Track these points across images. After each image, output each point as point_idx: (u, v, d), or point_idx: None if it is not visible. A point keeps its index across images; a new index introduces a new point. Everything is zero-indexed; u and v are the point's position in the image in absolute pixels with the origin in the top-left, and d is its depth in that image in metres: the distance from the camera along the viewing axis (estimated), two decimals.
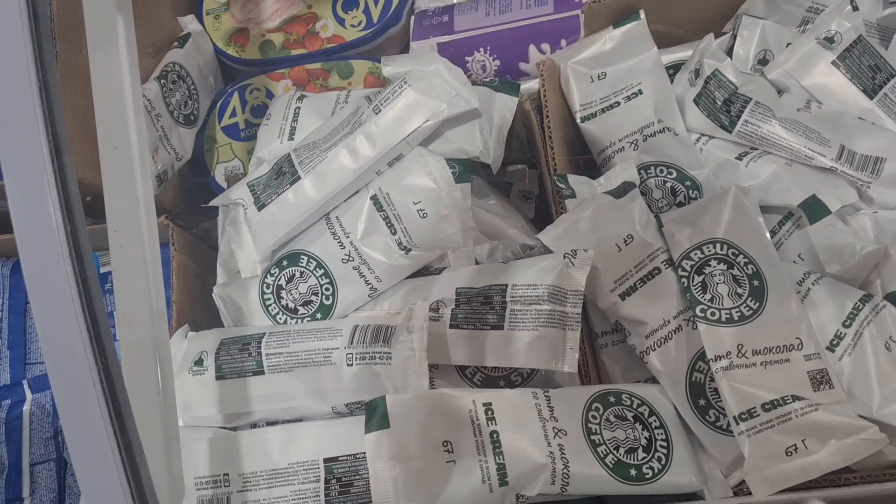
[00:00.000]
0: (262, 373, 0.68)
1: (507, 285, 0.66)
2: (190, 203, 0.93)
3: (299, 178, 0.72)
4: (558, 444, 0.59)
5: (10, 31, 0.41)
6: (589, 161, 0.82)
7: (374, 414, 0.60)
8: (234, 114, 0.95)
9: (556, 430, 0.60)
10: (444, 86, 0.71)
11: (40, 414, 0.78)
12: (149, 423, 0.50)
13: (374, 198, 0.71)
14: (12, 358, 0.80)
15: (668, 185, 0.74)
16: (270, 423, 0.69)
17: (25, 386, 0.79)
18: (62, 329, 0.44)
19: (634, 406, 0.64)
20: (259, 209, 0.73)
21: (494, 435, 0.59)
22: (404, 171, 0.72)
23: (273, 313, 0.73)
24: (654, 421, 0.63)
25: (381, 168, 0.72)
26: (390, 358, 0.64)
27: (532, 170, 0.85)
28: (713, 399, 0.63)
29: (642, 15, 0.80)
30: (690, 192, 0.73)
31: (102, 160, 0.54)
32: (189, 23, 0.96)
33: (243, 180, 0.76)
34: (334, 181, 0.71)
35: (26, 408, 0.78)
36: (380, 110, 0.71)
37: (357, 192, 0.73)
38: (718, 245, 0.65)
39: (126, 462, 0.45)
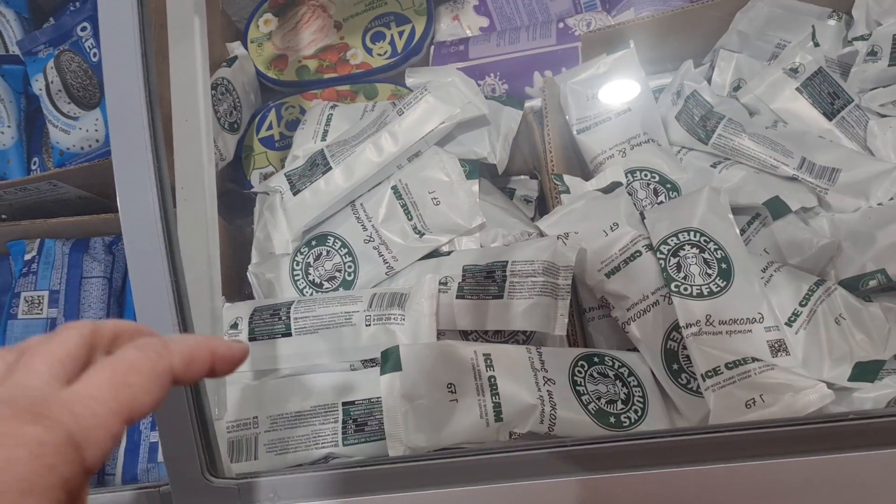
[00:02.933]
0: (290, 335, 0.77)
1: (507, 261, 0.76)
2: (223, 204, 1.04)
3: (330, 168, 0.83)
4: (547, 391, 0.68)
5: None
6: (582, 165, 0.93)
7: (389, 359, 0.69)
8: (270, 127, 1.07)
9: (545, 379, 0.69)
10: (459, 94, 0.83)
11: None
12: None
13: (394, 188, 0.82)
14: None
15: (652, 186, 0.84)
16: None
17: None
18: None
19: (616, 367, 0.73)
20: (294, 194, 0.84)
21: (492, 379, 0.68)
22: (422, 165, 0.83)
23: (301, 287, 0.83)
24: (633, 380, 0.72)
25: (402, 163, 0.83)
26: (404, 319, 0.74)
27: (533, 179, 0.96)
28: (685, 364, 0.72)
29: (632, 44, 0.92)
30: (671, 192, 0.84)
31: (175, 130, 0.65)
32: (236, 48, 1.09)
33: (281, 171, 0.88)
34: (361, 172, 0.82)
35: None
36: (403, 112, 0.82)
37: (380, 183, 0.84)
38: (692, 233, 0.75)
39: None
